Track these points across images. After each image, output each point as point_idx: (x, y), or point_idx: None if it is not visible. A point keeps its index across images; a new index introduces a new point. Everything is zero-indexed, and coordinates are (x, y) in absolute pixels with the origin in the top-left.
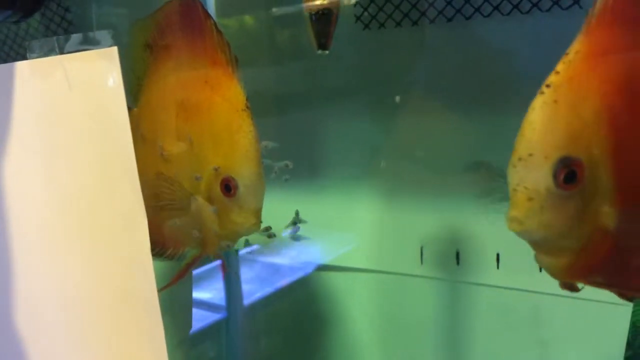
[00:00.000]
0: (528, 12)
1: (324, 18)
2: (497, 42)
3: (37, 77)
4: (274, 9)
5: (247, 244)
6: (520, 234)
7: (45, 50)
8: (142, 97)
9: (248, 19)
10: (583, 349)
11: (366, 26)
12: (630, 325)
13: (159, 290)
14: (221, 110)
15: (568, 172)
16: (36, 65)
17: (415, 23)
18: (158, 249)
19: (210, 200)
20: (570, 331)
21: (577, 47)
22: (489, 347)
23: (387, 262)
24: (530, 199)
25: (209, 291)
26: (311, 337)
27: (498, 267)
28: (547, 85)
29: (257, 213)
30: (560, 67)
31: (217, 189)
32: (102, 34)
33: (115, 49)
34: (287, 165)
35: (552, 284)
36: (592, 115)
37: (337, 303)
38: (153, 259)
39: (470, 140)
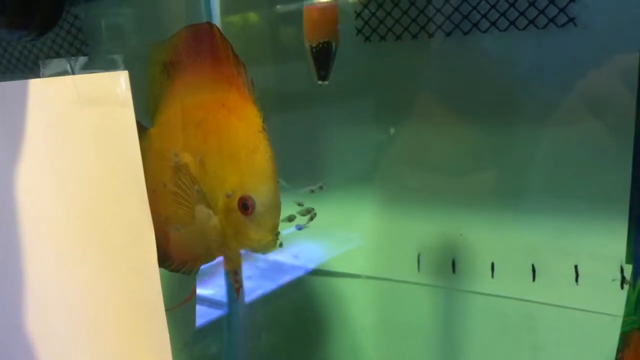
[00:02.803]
0: (524, 28)
1: (324, 50)
2: (494, 58)
3: (49, 94)
4: (278, 7)
5: None
6: None
7: (58, 70)
8: (159, 117)
9: (252, 18)
10: (574, 358)
11: (367, 39)
12: (620, 335)
13: (177, 306)
14: (238, 131)
15: None
16: (49, 83)
17: (414, 37)
18: (176, 264)
19: (227, 218)
20: (562, 340)
21: None
22: (483, 355)
23: (385, 268)
24: None
25: (210, 288)
26: (310, 338)
27: (493, 276)
28: None
29: (274, 230)
30: None
31: (235, 208)
32: (114, 58)
33: (126, 72)
34: (321, 188)
35: (545, 293)
36: None
37: (335, 306)
38: (170, 273)
39: (468, 150)
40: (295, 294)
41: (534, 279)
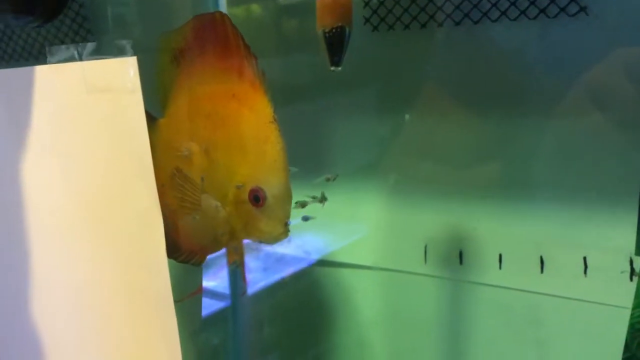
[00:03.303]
0: (535, 17)
1: (337, 35)
2: (504, 47)
3: (56, 81)
4: None
5: None
6: None
7: (65, 56)
8: (168, 108)
9: (256, 9)
10: (582, 350)
11: (375, 28)
12: (628, 327)
13: (186, 297)
14: (248, 122)
15: None
16: (56, 70)
17: (423, 26)
18: (185, 255)
19: (237, 209)
20: (570, 332)
21: None
22: (489, 346)
23: (391, 259)
24: None
25: (213, 279)
26: (314, 328)
27: (500, 268)
28: None
29: (285, 222)
30: None
31: (246, 200)
32: (122, 44)
33: (134, 58)
34: (335, 177)
35: (553, 285)
36: None
37: (341, 297)
38: (177, 265)
39: (476, 140)
40: (300, 285)
41: (542, 271)
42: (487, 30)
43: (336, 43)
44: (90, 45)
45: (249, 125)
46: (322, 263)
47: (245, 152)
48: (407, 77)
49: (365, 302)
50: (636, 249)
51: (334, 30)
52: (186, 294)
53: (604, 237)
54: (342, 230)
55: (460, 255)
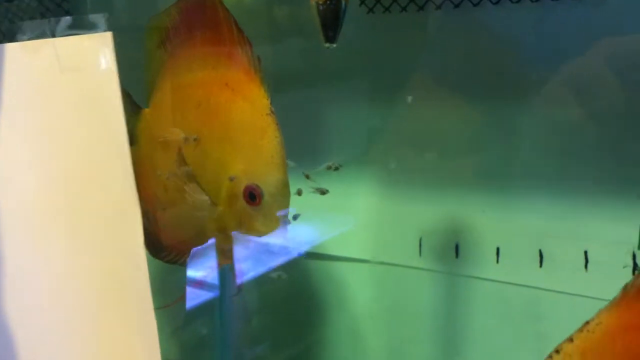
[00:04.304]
0: (537, 0)
1: (331, 8)
2: (505, 31)
3: (27, 59)
4: None
5: None
6: None
7: (36, 33)
8: (155, 96)
9: None
10: None
11: (370, 10)
12: None
13: (173, 303)
14: (243, 113)
15: None
16: (27, 47)
17: (421, 8)
18: (173, 255)
19: (231, 207)
20: (569, 328)
21: (601, 319)
22: (486, 342)
23: (385, 252)
24: None
25: (201, 270)
26: (304, 322)
27: (498, 261)
28: (557, 351)
29: (282, 220)
30: (576, 335)
31: (240, 197)
32: (97, 18)
33: (109, 34)
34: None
35: (552, 280)
36: None
37: (333, 291)
38: (168, 265)
39: (473, 129)
40: (292, 277)
41: (541, 265)
42: (487, 13)
43: (331, 17)
44: (64, 20)
45: (244, 117)
46: (314, 255)
47: (240, 146)
48: (403, 62)
49: (357, 296)
50: (639, 243)
51: (328, 3)
52: (170, 298)
53: (606, 230)
54: (334, 222)
55: (457, 248)
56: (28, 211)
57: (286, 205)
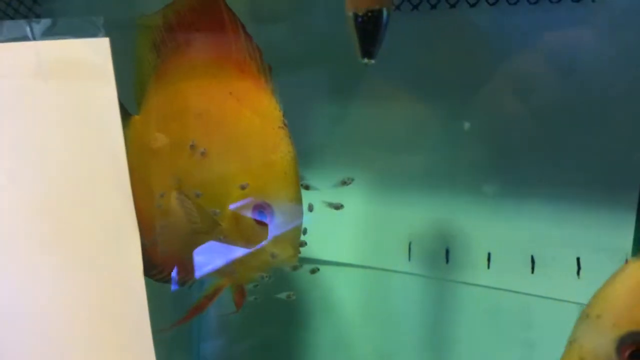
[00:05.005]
0: (536, 2)
1: (372, 20)
2: (499, 33)
3: (5, 63)
4: None
5: None
6: None
7: (15, 35)
8: (146, 103)
9: None
10: None
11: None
12: None
13: (171, 327)
14: (251, 126)
15: (636, 350)
16: (4, 50)
17: (415, 7)
18: (165, 273)
19: (238, 225)
20: (558, 334)
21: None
22: (476, 350)
23: (373, 257)
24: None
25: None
26: (293, 329)
27: (489, 267)
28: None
29: (295, 242)
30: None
31: (248, 214)
32: (91, 21)
33: (106, 40)
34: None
35: (544, 286)
36: None
37: (321, 296)
38: (159, 283)
39: (465, 132)
40: (278, 281)
41: (532, 271)
42: (483, 13)
43: (372, 30)
44: (45, 22)
45: (252, 129)
46: (301, 260)
47: (248, 161)
48: (395, 64)
49: (345, 301)
50: (633, 249)
51: (369, 14)
52: (172, 319)
53: (599, 236)
54: (320, 226)
55: (447, 253)
56: (8, 236)
57: (299, 225)
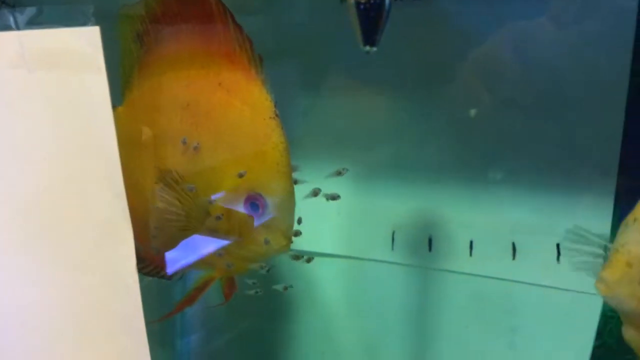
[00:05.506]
0: None
1: (375, 8)
2: (478, 25)
3: None
4: None
5: None
6: (608, 299)
7: None
8: (129, 94)
9: None
10: (554, 338)
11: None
12: (600, 315)
13: (162, 319)
14: (242, 117)
15: None
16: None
17: None
18: (152, 267)
19: (229, 218)
20: (542, 320)
21: None
22: (460, 336)
23: (357, 247)
24: (629, 265)
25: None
26: (277, 320)
27: (471, 255)
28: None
29: (288, 233)
30: None
31: (240, 207)
32: (79, 10)
33: (97, 29)
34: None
35: (525, 272)
36: None
37: (304, 287)
38: (147, 277)
39: (446, 122)
40: (261, 274)
41: (514, 258)
42: (467, 4)
43: (374, 16)
44: (30, 10)
45: (242, 121)
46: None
47: (239, 152)
48: (369, 55)
49: (329, 291)
50: (611, 236)
51: (372, 1)
52: (158, 312)
53: (579, 223)
54: (304, 217)
55: (430, 241)
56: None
57: (292, 215)
